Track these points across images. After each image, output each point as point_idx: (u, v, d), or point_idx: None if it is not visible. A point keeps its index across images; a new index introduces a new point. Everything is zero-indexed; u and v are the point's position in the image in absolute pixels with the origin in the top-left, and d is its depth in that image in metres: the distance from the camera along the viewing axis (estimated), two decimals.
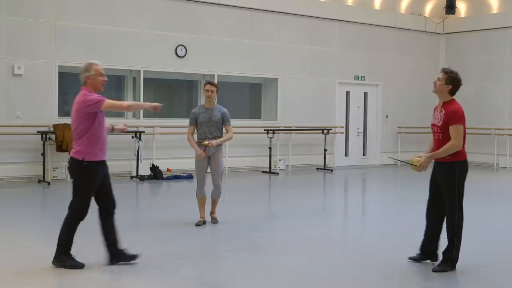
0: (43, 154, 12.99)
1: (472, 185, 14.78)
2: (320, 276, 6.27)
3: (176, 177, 14.41)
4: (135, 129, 14.34)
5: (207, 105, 8.72)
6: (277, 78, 17.01)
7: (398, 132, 19.52)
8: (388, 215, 10.62)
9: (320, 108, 17.74)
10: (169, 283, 5.94)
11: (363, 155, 19.14)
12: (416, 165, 6.38)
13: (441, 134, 6.37)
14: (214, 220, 8.83)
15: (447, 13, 19.92)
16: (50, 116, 13.57)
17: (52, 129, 13.25)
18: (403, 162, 7.73)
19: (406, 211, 10.87)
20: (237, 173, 15.86)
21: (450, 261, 6.34)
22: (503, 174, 17.45)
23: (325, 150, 17.10)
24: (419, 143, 20.16)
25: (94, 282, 5.93)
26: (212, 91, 8.68)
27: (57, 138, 12.98)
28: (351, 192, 14.71)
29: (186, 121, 16.30)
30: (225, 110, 8.88)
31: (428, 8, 20.34)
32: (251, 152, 16.23)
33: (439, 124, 6.40)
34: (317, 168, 17.18)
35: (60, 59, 13.80)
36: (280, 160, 16.79)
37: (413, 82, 20.03)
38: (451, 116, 6.32)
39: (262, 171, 16.12)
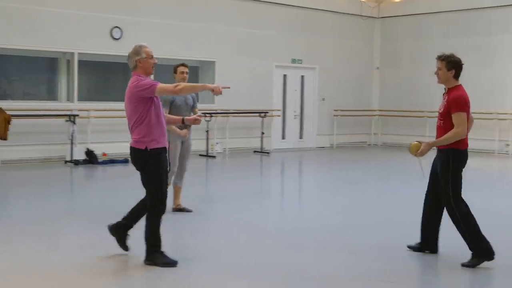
0: None
1: (404, 166, 15.20)
2: (258, 260, 6.34)
3: (112, 162, 14.22)
4: (69, 112, 14.09)
5: None
6: (214, 61, 16.96)
7: (334, 115, 19.80)
8: (325, 197, 10.79)
9: (258, 91, 17.79)
10: (110, 271, 5.89)
11: (300, 137, 19.34)
12: (415, 150, 6.21)
13: (442, 121, 6.14)
14: (188, 209, 8.52)
15: None
16: None
17: None
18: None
19: (342, 192, 11.10)
20: None
21: (477, 253, 5.99)
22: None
23: (262, 133, 17.23)
24: (356, 126, 20.59)
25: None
26: (187, 73, 8.42)
27: None
28: (288, 175, 14.90)
29: (122, 105, 16.10)
30: (194, 94, 8.61)
31: None
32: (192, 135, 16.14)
33: (440, 111, 6.17)
34: (255, 151, 17.28)
35: None
36: (217, 143, 16.79)
37: (349, 65, 20.34)
38: (453, 103, 6.03)
39: (200, 155, 16.07)
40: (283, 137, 18.86)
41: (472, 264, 5.94)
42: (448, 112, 6.05)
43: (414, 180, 12.59)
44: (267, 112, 17.40)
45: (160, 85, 5.77)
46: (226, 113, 16.97)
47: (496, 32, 18.28)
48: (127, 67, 18.91)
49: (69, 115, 13.89)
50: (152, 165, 5.83)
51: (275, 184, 13.16)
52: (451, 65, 6.19)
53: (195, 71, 17.49)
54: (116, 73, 16.81)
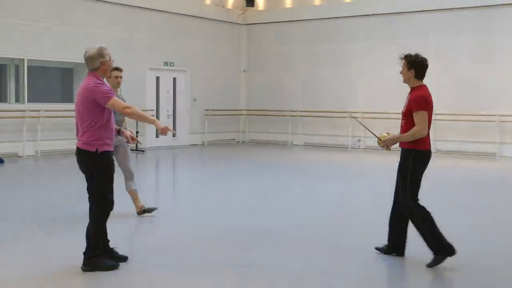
0: None
1: (269, 160, 15.65)
2: (135, 255, 6.37)
3: None
4: None
5: (116, 91, 7.88)
6: None
7: (205, 115, 20.01)
8: (198, 191, 10.90)
9: (131, 92, 17.36)
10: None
11: (173, 136, 19.33)
12: (381, 140, 5.92)
13: (404, 121, 5.84)
14: (152, 208, 8.06)
15: (247, 5, 20.76)
16: None
17: None
18: (369, 130, 6.59)
19: (214, 187, 11.27)
20: (51, 156, 15.32)
21: (438, 251, 5.74)
22: (296, 151, 18.61)
23: (137, 132, 17.07)
24: (225, 125, 20.91)
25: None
26: (121, 77, 7.95)
27: None
28: (163, 171, 14.89)
29: None
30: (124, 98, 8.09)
31: (230, 0, 20.98)
32: (64, 135, 15.70)
33: (403, 110, 5.86)
34: (130, 149, 17.02)
35: None
36: None
37: (218, 68, 20.64)
38: (414, 102, 5.73)
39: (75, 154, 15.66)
40: (157, 136, 18.78)
41: (436, 262, 5.71)
42: (410, 111, 5.77)
43: (278, 173, 13.07)
44: None
45: (115, 99, 5.51)
46: None
47: (348, 40, 19.27)
48: (0, 69, 17.90)
49: None
50: (102, 168, 5.58)
51: (151, 181, 13.11)
52: (411, 64, 5.83)
53: (70, 72, 17.05)
54: None
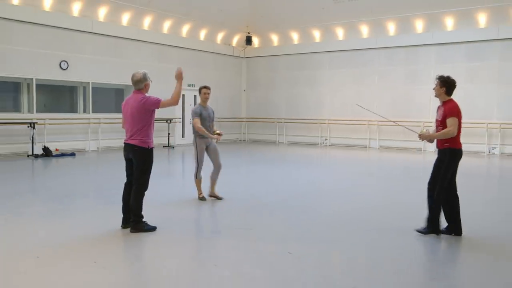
0: None
1: (261, 154, 15.64)
2: (167, 223, 6.36)
3: (62, 155, 13.63)
4: (29, 120, 13.33)
5: (205, 104, 7.38)
6: None
7: (217, 121, 19.96)
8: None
9: None
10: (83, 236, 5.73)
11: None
12: (420, 135, 5.41)
13: (441, 127, 5.29)
14: (219, 196, 7.52)
15: (246, 44, 20.76)
16: None
17: None
18: (408, 129, 6.25)
19: (224, 171, 11.21)
20: (108, 150, 15.34)
21: (430, 226, 5.34)
22: (282, 147, 18.66)
23: (169, 133, 17.15)
24: (232, 128, 20.92)
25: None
26: (209, 93, 7.42)
27: None
28: (187, 163, 14.92)
29: (70, 115, 15.39)
30: (213, 109, 7.67)
31: (235, 40, 21.00)
32: (118, 136, 15.74)
33: (439, 119, 5.30)
34: (163, 146, 17.17)
35: None
36: None
37: (225, 89, 20.65)
38: (448, 111, 5.21)
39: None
40: (183, 136, 18.85)
41: (423, 232, 5.36)
42: (444, 119, 5.23)
43: (269, 162, 13.10)
44: (172, 120, 17.35)
45: (163, 100, 5.43)
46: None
47: (318, 68, 19.31)
48: (72, 89, 17.94)
49: (30, 122, 13.15)
50: (150, 159, 5.46)
51: (178, 168, 13.16)
52: (443, 83, 5.30)
53: (122, 92, 17.08)
54: (64, 92, 16.04)
